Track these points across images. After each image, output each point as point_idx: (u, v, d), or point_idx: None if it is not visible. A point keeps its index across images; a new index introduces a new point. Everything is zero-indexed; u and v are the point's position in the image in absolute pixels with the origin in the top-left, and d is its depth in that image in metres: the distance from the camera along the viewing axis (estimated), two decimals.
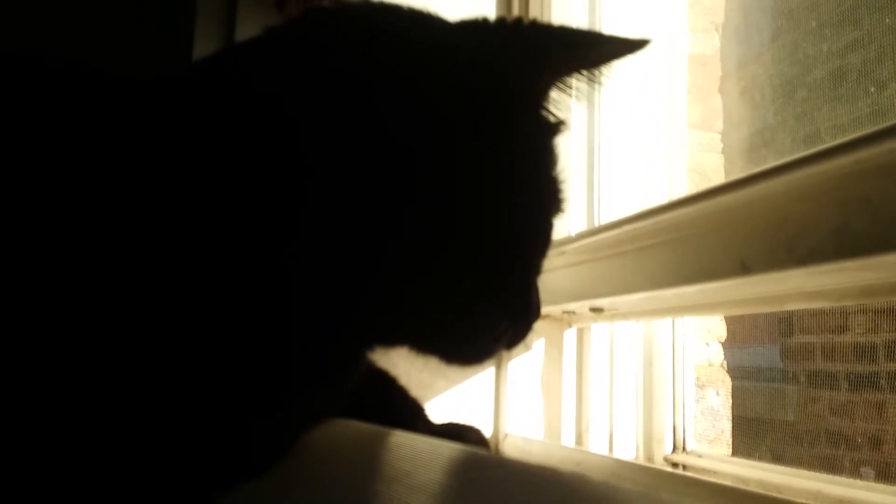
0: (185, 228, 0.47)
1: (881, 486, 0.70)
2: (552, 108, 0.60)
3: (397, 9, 0.57)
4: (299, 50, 0.53)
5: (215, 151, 0.49)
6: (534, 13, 1.19)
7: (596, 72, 0.59)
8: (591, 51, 0.59)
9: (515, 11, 1.21)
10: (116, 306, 0.45)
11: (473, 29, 0.57)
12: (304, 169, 0.49)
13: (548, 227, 0.62)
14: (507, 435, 1.13)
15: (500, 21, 0.59)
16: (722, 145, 1.09)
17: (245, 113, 0.49)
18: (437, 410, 1.05)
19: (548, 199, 0.60)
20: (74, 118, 0.49)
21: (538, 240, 0.61)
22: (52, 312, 0.44)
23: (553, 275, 0.99)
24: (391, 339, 0.61)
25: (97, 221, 0.46)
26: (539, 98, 0.58)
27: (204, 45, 1.03)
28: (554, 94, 0.59)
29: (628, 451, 1.03)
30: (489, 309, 0.58)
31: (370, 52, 0.52)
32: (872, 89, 0.80)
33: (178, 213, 0.47)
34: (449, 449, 0.58)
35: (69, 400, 0.45)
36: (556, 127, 0.60)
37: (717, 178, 1.07)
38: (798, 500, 0.68)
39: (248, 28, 1.05)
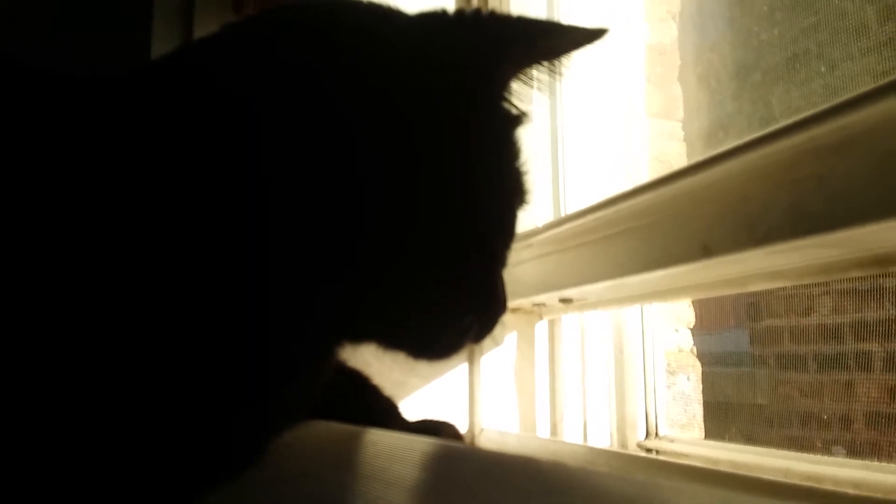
0: (143, 230, 0.47)
1: (848, 461, 0.72)
2: (514, 100, 0.60)
3: (356, 4, 0.57)
4: (254, 46, 0.53)
5: (170, 151, 0.48)
6: (493, 4, 1.19)
7: (556, 62, 0.59)
8: (549, 41, 0.59)
9: (474, 2, 1.21)
10: (83, 307, 0.45)
11: (432, 22, 0.57)
12: (259, 167, 0.49)
13: (511, 219, 0.62)
14: (482, 430, 1.13)
15: (459, 13, 0.59)
16: (683, 133, 1.10)
17: (199, 112, 0.49)
18: (412, 408, 1.05)
19: (510, 191, 0.60)
20: (24, 121, 0.48)
21: (501, 232, 0.61)
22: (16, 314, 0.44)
23: (521, 267, 1.00)
24: (358, 336, 0.60)
25: (50, 225, 0.45)
26: (499, 90, 0.58)
27: (161, 47, 1.02)
28: (515, 85, 0.60)
29: (603, 439, 1.04)
30: (453, 302, 0.58)
31: (325, 47, 0.52)
32: (823, 69, 0.81)
33: (134, 214, 0.47)
34: (424, 444, 0.58)
35: (40, 402, 0.44)
36: (517, 119, 0.60)
37: (680, 165, 1.08)
38: (768, 477, 0.69)
39: (205, 29, 1.05)
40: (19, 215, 0.45)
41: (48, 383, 0.44)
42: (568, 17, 1.11)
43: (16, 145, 0.47)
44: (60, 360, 0.44)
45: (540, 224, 1.02)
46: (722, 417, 1.06)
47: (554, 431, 1.09)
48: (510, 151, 0.60)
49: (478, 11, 0.60)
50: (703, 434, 1.01)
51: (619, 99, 1.12)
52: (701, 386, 1.05)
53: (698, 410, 1.03)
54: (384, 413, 0.85)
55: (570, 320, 1.11)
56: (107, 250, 0.46)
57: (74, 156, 0.47)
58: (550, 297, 1.02)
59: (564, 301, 1.03)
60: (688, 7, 1.10)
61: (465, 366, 1.16)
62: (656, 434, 0.98)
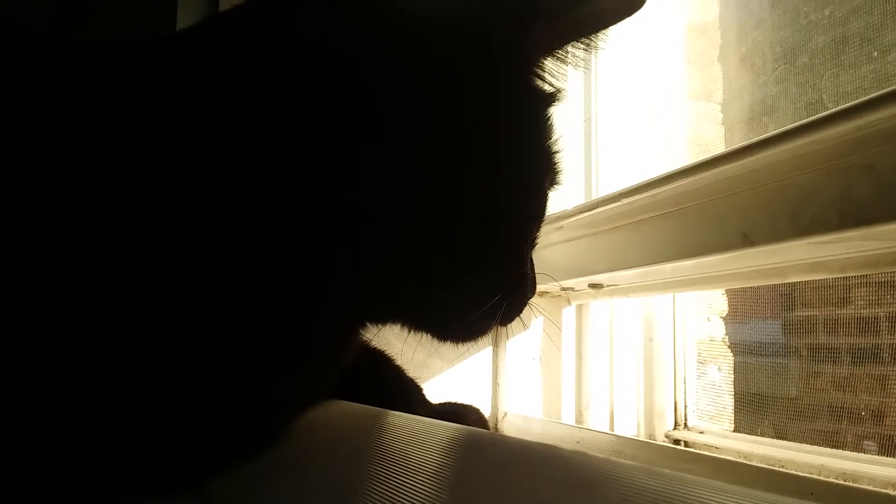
0: (163, 199, 0.46)
1: (883, 458, 0.70)
2: (546, 77, 0.58)
3: None
4: (274, 20, 0.52)
5: (188, 127, 0.47)
6: None
7: (592, 38, 0.58)
8: (581, 7, 0.57)
9: None
10: (89, 282, 0.44)
11: None
12: (280, 140, 0.48)
13: (541, 200, 0.60)
14: (506, 414, 1.12)
15: None
16: (722, 116, 1.07)
17: (221, 83, 0.48)
18: (436, 390, 1.04)
19: (540, 170, 0.59)
20: (53, 91, 0.47)
21: (530, 212, 0.60)
22: (24, 293, 0.43)
23: (551, 250, 0.98)
24: (381, 316, 0.59)
25: (69, 195, 0.45)
26: (530, 65, 0.56)
27: (186, 15, 1.01)
28: (549, 62, 0.58)
29: (629, 428, 1.03)
30: (480, 282, 0.57)
31: (346, 19, 0.51)
32: (875, 54, 0.78)
33: (153, 182, 0.46)
34: (447, 428, 0.57)
35: (45, 382, 0.44)
36: (550, 97, 0.59)
37: (718, 149, 1.05)
38: (801, 474, 0.67)
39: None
40: (21, 192, 0.44)
41: (54, 362, 0.44)
42: None
43: (22, 117, 0.46)
44: (66, 335, 0.44)
45: (570, 206, 1.00)
46: (754, 409, 1.03)
47: (579, 419, 1.08)
48: (541, 130, 0.59)
49: None
50: (734, 426, 0.98)
51: (657, 79, 1.09)
52: (733, 377, 1.03)
53: (729, 402, 1.01)
54: (407, 395, 0.85)
55: (599, 306, 1.09)
56: (112, 220, 0.45)
57: (83, 130, 0.46)
58: (579, 282, 1.01)
59: (594, 286, 1.01)
60: None
61: (490, 349, 1.15)
62: (685, 425, 0.97)
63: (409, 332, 0.61)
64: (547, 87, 0.58)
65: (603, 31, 0.57)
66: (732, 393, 1.02)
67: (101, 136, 0.46)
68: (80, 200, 0.45)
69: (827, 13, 0.85)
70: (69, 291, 0.44)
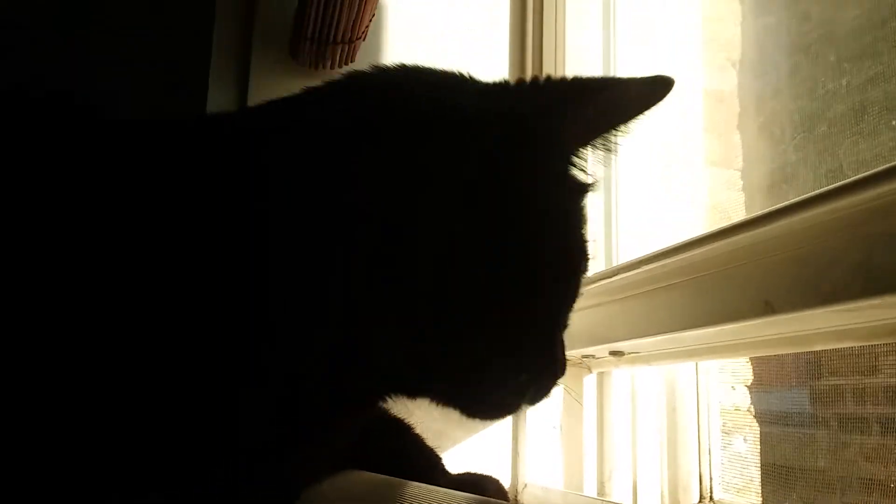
0: (180, 271, 0.47)
1: None
2: (582, 167, 0.60)
3: (429, 72, 0.60)
4: (334, 109, 0.56)
5: (221, 201, 0.49)
6: (547, 66, 1.19)
7: (627, 125, 0.61)
8: (606, 93, 0.60)
9: (528, 69, 1.22)
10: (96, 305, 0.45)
11: (495, 89, 0.60)
12: (329, 221, 0.50)
13: (573, 284, 0.62)
14: (526, 485, 1.10)
15: (519, 81, 0.61)
16: (742, 182, 1.07)
17: (256, 169, 0.51)
18: (456, 460, 1.02)
19: (574, 257, 0.60)
20: (89, 162, 0.50)
21: (563, 296, 0.61)
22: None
23: (571, 318, 0.97)
24: (409, 391, 0.59)
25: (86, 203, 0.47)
26: (567, 156, 0.59)
27: (217, 93, 1.04)
28: (587, 152, 0.60)
29: (653, 500, 1.00)
30: (511, 364, 0.58)
31: (395, 115, 0.54)
32: (894, 122, 0.78)
33: (173, 256, 0.47)
34: (466, 499, 0.57)
35: (44, 394, 0.44)
36: (585, 187, 0.61)
37: (738, 216, 1.05)
38: None
39: (261, 74, 1.06)
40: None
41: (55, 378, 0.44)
42: (626, 69, 1.10)
43: (76, 185, 0.48)
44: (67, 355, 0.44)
45: (591, 273, 0.99)
46: (781, 481, 1.01)
47: (601, 490, 1.06)
48: (575, 219, 0.61)
49: (535, 78, 0.62)
50: (761, 499, 0.96)
51: (676, 146, 1.10)
52: (759, 447, 1.01)
53: (756, 474, 0.98)
54: (426, 464, 0.84)
55: (620, 374, 1.08)
56: (123, 238, 0.47)
57: (116, 197, 0.48)
58: (600, 350, 1.00)
59: (615, 354, 1.00)
60: (748, 54, 1.08)
61: (510, 418, 1.13)
62: (710, 498, 0.94)
63: (439, 406, 0.61)
64: (583, 177, 0.60)
65: (635, 119, 0.62)
66: (759, 464, 1.00)
67: (133, 211, 0.48)
68: (94, 210, 0.47)
69: (844, 83, 0.86)
70: (72, 308, 0.45)
